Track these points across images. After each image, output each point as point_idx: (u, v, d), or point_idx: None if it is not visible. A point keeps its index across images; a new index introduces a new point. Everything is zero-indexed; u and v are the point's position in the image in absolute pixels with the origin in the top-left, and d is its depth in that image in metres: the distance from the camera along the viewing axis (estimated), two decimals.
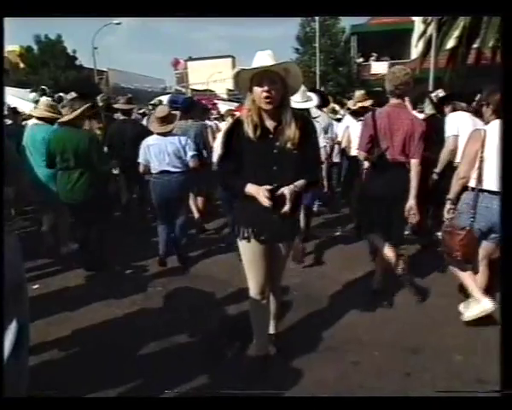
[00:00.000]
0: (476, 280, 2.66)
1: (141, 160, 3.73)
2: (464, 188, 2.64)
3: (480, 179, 2.50)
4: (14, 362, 1.61)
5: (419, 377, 2.23)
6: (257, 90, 1.90)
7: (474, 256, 2.65)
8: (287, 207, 1.89)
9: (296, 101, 3.06)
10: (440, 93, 4.43)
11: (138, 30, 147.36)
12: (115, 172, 4.62)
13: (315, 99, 3.68)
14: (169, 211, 3.80)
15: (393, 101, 2.89)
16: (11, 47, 21.87)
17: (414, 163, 2.86)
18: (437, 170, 3.64)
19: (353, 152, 4.22)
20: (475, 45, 11.98)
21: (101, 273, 3.74)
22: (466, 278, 2.68)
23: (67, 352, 2.57)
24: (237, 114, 4.08)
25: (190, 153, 3.69)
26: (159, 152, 3.63)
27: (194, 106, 5.03)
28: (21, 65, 23.03)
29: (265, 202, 1.87)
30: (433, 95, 4.42)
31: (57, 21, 55.74)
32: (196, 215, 4.90)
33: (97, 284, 3.55)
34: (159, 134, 3.68)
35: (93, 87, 22.06)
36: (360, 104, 4.65)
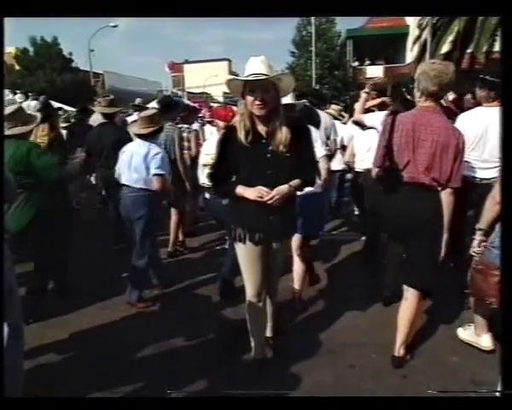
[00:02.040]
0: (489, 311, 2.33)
1: (116, 167, 3.27)
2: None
3: None
4: (8, 363, 1.61)
5: (416, 380, 2.24)
6: (249, 97, 1.93)
7: None
8: (278, 201, 1.95)
9: None
10: (450, 95, 3.93)
11: (134, 32, 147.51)
12: (92, 180, 4.34)
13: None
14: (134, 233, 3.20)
15: (426, 103, 2.22)
16: (6, 48, 21.77)
17: (446, 192, 2.19)
18: None
19: (358, 166, 3.87)
20: (469, 50, 12.13)
21: (97, 276, 3.71)
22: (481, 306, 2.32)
23: (64, 355, 2.56)
24: (219, 122, 3.66)
25: (154, 171, 3.03)
26: (126, 161, 3.13)
27: (173, 107, 4.39)
28: (17, 67, 22.92)
29: (264, 196, 1.92)
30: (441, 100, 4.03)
31: (53, 23, 55.64)
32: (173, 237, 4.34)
33: (94, 287, 3.52)
34: (139, 137, 3.20)
35: (89, 90, 22.01)
36: (368, 103, 3.96)
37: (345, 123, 5.49)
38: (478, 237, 2.15)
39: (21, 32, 22.40)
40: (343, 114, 6.18)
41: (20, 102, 4.30)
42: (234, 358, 2.47)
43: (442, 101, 3.74)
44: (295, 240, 2.96)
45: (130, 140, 3.57)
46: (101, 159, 4.28)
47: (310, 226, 2.99)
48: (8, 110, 2.88)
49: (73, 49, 57.66)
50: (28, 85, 17.85)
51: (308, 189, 2.43)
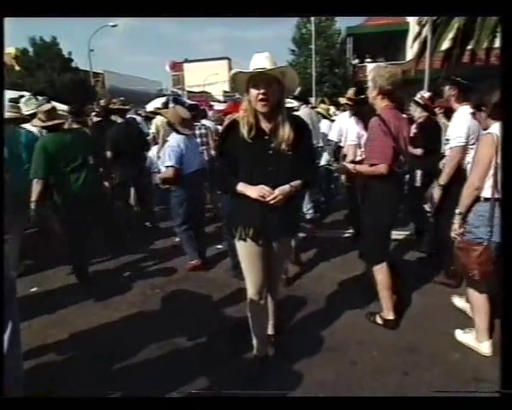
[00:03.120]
0: (488, 314, 2.45)
1: (173, 163, 3.51)
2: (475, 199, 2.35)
3: (496, 188, 2.20)
4: (8, 365, 1.63)
5: (417, 377, 2.25)
6: (253, 92, 1.93)
7: (493, 274, 2.31)
8: (281, 201, 1.96)
9: None
10: (425, 94, 4.24)
11: (134, 32, 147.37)
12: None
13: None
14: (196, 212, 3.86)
15: (384, 102, 2.62)
16: (6, 49, 21.74)
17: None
18: (442, 182, 3.14)
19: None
20: (469, 47, 12.09)
21: (99, 276, 3.73)
22: (480, 308, 2.47)
23: (66, 355, 2.57)
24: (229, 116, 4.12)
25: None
26: (192, 153, 3.68)
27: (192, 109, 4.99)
28: (16, 67, 22.92)
29: (266, 195, 1.93)
30: (417, 97, 4.15)
31: (52, 23, 55.66)
32: None
33: (96, 287, 3.54)
34: (185, 135, 3.68)
35: (89, 89, 22.02)
36: (348, 96, 4.43)
37: (333, 120, 5.54)
38: (457, 220, 2.40)
39: (21, 33, 22.36)
40: (331, 113, 6.19)
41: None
42: (236, 356, 2.48)
43: (419, 99, 4.10)
44: None
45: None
46: (131, 157, 4.65)
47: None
48: (44, 108, 3.55)
49: (73, 49, 57.51)
50: (28, 86, 17.83)
51: None
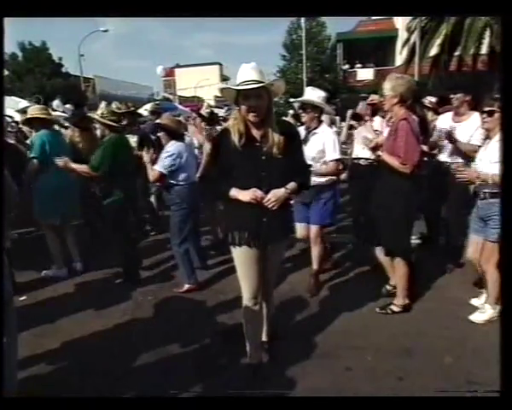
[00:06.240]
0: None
1: (161, 169, 3.25)
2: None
3: None
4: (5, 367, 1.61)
5: (412, 381, 2.25)
6: (244, 104, 1.97)
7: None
8: (275, 205, 1.98)
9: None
10: (432, 98, 4.58)
11: (125, 37, 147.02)
12: None
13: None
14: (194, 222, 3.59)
15: (405, 110, 2.76)
16: None
17: None
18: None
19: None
20: (457, 53, 12.32)
21: (91, 283, 3.69)
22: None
23: (58, 364, 2.52)
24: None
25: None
26: (191, 160, 3.47)
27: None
28: (5, 72, 22.67)
29: (258, 198, 1.95)
30: (426, 102, 4.49)
31: (42, 28, 55.28)
32: None
33: (87, 295, 3.49)
34: (181, 141, 3.44)
35: (80, 94, 21.86)
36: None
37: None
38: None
39: (10, 37, 22.11)
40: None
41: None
42: (229, 363, 2.46)
43: (428, 103, 4.40)
44: (312, 231, 3.34)
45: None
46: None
47: (324, 216, 3.32)
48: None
49: (63, 53, 57.44)
50: (17, 91, 17.63)
51: (319, 180, 3.05)
